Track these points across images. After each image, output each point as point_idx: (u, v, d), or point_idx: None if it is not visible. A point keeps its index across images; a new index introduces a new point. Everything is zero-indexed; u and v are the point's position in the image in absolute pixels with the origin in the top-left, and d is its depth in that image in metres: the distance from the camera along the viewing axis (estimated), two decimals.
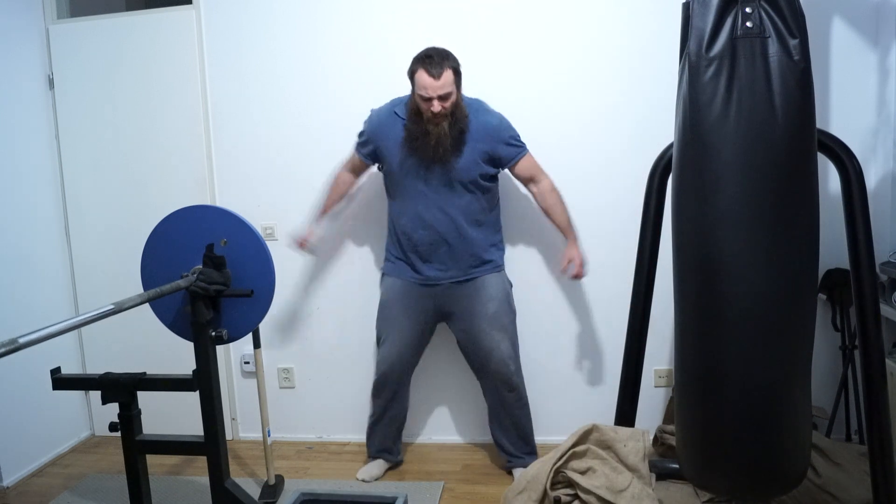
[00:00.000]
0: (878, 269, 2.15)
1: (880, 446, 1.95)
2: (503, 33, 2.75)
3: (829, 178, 2.51)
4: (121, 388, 2.00)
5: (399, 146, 2.46)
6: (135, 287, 2.16)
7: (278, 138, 2.93)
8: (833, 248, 2.42)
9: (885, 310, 2.30)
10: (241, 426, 3.13)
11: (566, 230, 2.57)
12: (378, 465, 2.70)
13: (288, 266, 2.95)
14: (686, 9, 1.70)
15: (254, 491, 2.55)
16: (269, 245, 2.13)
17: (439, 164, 2.42)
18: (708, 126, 1.65)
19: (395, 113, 2.49)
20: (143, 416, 2.09)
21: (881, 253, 2.42)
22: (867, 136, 2.59)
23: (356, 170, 2.67)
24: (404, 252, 2.55)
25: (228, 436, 2.90)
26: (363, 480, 2.63)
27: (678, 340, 1.83)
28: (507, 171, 2.57)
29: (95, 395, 2.51)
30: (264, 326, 2.38)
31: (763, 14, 1.61)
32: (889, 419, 1.97)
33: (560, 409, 2.86)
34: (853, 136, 2.43)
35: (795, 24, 1.61)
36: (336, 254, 2.97)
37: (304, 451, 2.98)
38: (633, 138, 2.69)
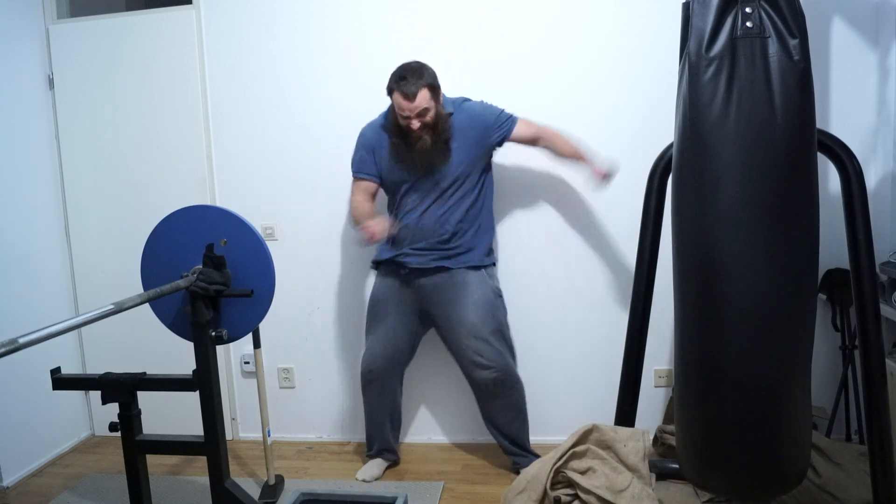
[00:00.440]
0: (878, 269, 2.15)
1: (880, 446, 1.95)
2: (503, 33, 2.75)
3: (829, 178, 2.51)
4: (121, 388, 2.00)
5: (388, 158, 2.49)
6: (135, 287, 2.16)
7: (278, 138, 2.93)
8: (833, 248, 2.42)
9: (885, 310, 2.30)
10: (241, 426, 3.13)
11: (580, 156, 2.54)
12: (378, 465, 2.70)
13: (288, 266, 2.95)
14: (686, 9, 1.70)
15: (254, 491, 2.55)
16: (269, 245, 2.13)
17: (427, 174, 2.45)
18: (708, 126, 1.65)
19: (383, 126, 2.52)
20: (143, 416, 2.09)
21: (881, 253, 2.42)
22: (867, 136, 2.58)
23: (371, 192, 2.58)
24: (396, 251, 2.55)
25: (228, 436, 2.90)
26: (363, 480, 2.63)
27: (678, 340, 1.83)
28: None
29: (95, 395, 2.50)
30: (264, 326, 2.37)
31: (763, 14, 1.62)
32: (889, 419, 1.97)
33: (560, 409, 2.86)
34: (853, 136, 2.42)
35: (795, 24, 1.61)
36: (336, 254, 2.96)
37: (304, 451, 2.98)
38: (633, 138, 2.69)
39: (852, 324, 2.52)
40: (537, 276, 2.84)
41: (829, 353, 2.67)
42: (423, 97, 2.33)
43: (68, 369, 2.46)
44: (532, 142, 2.59)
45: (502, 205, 2.78)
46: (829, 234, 2.12)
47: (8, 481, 2.75)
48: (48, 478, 2.82)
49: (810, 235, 1.68)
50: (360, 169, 2.57)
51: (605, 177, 2.51)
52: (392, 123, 2.46)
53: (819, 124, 1.77)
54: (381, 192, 2.65)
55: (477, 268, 2.56)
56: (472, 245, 2.55)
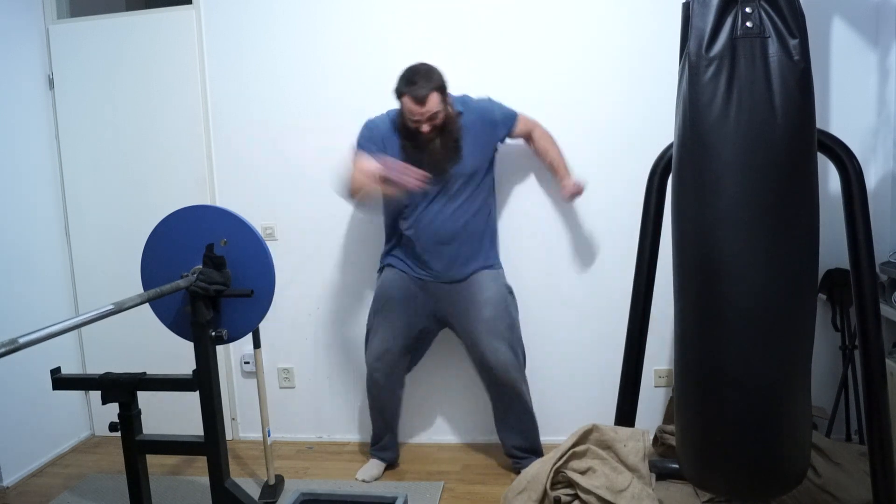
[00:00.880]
0: (878, 269, 2.15)
1: (880, 446, 1.95)
2: (503, 33, 2.75)
3: (829, 178, 2.51)
4: (121, 388, 2.00)
5: (398, 157, 2.47)
6: (135, 287, 2.16)
7: (278, 138, 2.93)
8: (833, 248, 2.42)
9: (885, 310, 2.30)
10: (241, 426, 3.13)
11: (559, 167, 2.61)
12: (377, 466, 2.70)
13: (288, 266, 2.95)
14: (686, 9, 1.70)
15: (254, 491, 2.55)
16: (269, 245, 2.13)
17: (438, 176, 2.44)
18: (708, 126, 1.65)
19: (393, 122, 2.50)
20: (143, 416, 2.09)
21: (881, 253, 2.42)
22: (867, 136, 2.58)
23: None
24: (407, 254, 2.55)
25: (228, 436, 2.90)
26: (363, 480, 2.63)
27: (678, 340, 1.83)
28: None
29: (95, 395, 2.51)
30: (264, 326, 2.37)
31: (763, 14, 1.61)
32: (889, 419, 1.97)
33: (560, 409, 2.86)
34: (853, 136, 2.42)
35: (795, 24, 1.61)
36: (336, 254, 2.96)
37: (304, 451, 2.98)
38: (633, 138, 2.69)
39: (852, 324, 2.52)
40: (537, 275, 2.84)
41: (829, 353, 2.67)
42: (434, 101, 2.33)
43: (68, 369, 2.46)
44: (527, 136, 2.63)
45: (502, 204, 2.79)
46: (829, 234, 2.12)
47: (8, 481, 2.75)
48: (48, 478, 2.82)
49: (810, 235, 1.68)
50: (368, 148, 2.47)
51: (575, 195, 2.57)
52: (401, 126, 2.44)
53: (819, 124, 1.77)
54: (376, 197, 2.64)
55: (489, 266, 2.57)
56: (484, 244, 2.56)
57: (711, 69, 1.63)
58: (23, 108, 2.93)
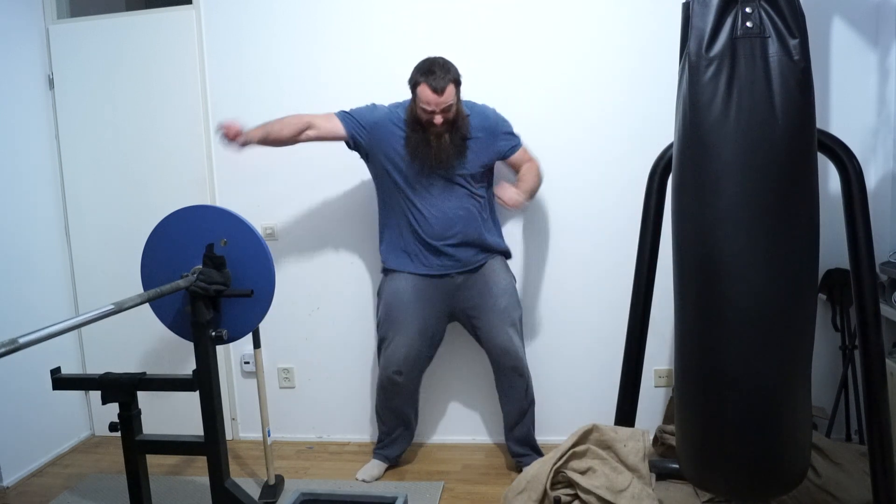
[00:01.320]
0: (878, 269, 2.15)
1: (880, 446, 1.95)
2: (503, 34, 2.75)
3: (829, 178, 2.51)
4: (121, 388, 2.00)
5: (401, 151, 2.47)
6: (135, 287, 2.16)
7: None
8: (833, 248, 2.42)
9: (885, 310, 2.30)
10: (241, 426, 3.13)
11: (522, 184, 2.49)
12: (378, 466, 2.70)
13: (288, 266, 2.95)
14: (686, 9, 1.70)
15: (254, 491, 2.55)
16: (269, 245, 2.13)
17: (441, 170, 2.44)
18: (708, 126, 1.65)
19: (399, 114, 2.50)
20: (143, 416, 2.09)
21: (881, 253, 2.42)
22: (867, 136, 2.59)
23: (321, 133, 2.51)
24: (412, 248, 2.54)
25: (228, 436, 2.90)
26: (363, 480, 2.63)
27: (678, 340, 1.83)
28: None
29: (95, 395, 2.51)
30: (264, 326, 2.37)
31: (763, 14, 1.62)
32: (889, 419, 1.97)
33: (560, 409, 2.86)
34: (853, 136, 2.43)
35: (795, 24, 1.61)
36: (336, 254, 2.96)
37: (304, 451, 2.98)
38: (633, 138, 2.69)
39: (852, 324, 2.52)
40: (537, 275, 2.84)
41: (829, 353, 2.67)
42: (450, 92, 2.33)
43: (68, 369, 2.46)
44: (518, 167, 2.59)
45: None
46: (829, 234, 2.12)
47: (8, 481, 2.75)
48: (48, 478, 2.82)
49: (810, 235, 1.68)
50: (351, 123, 2.50)
51: (507, 201, 2.37)
52: (410, 117, 2.44)
53: (819, 124, 1.77)
54: (371, 192, 2.65)
55: (500, 253, 2.61)
56: (491, 234, 2.58)
57: (711, 69, 1.63)
58: (23, 108, 2.93)
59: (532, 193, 2.54)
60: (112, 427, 2.04)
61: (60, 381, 2.06)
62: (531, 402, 2.62)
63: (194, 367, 2.06)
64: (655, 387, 2.84)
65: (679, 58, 1.75)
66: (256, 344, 2.54)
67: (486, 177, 2.59)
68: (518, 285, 2.72)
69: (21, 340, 1.37)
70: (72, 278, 3.13)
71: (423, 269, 2.54)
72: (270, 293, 2.09)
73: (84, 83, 3.02)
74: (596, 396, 2.79)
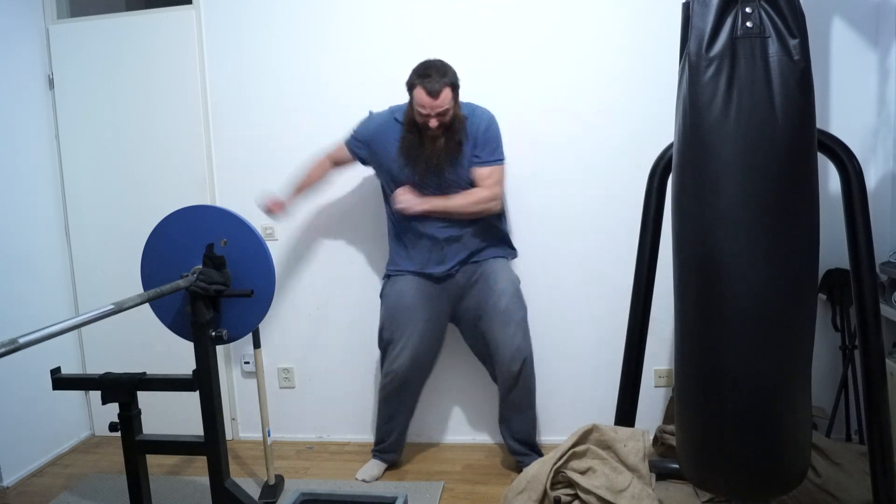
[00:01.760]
0: (878, 269, 2.15)
1: (880, 446, 1.94)
2: (503, 34, 2.75)
3: (829, 178, 2.51)
4: (121, 388, 2.00)
5: (397, 154, 2.48)
6: (135, 287, 2.16)
7: (278, 138, 2.93)
8: (833, 248, 2.42)
9: (885, 310, 2.30)
10: (241, 426, 3.13)
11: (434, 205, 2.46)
12: (377, 466, 2.70)
13: (288, 266, 2.95)
14: (686, 9, 1.70)
15: (254, 491, 2.55)
16: (269, 245, 2.13)
17: (435, 174, 2.44)
18: (708, 126, 1.64)
19: (396, 119, 2.50)
20: (143, 416, 2.09)
21: (881, 253, 2.42)
22: (867, 136, 2.59)
23: (340, 162, 2.66)
24: (412, 252, 2.55)
25: (228, 436, 2.90)
26: (363, 480, 2.63)
27: (678, 340, 1.83)
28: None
29: (95, 395, 2.51)
30: (264, 326, 2.37)
31: (763, 14, 1.61)
32: (889, 419, 1.97)
33: (560, 409, 2.86)
34: (853, 136, 2.43)
35: (795, 24, 1.61)
36: (336, 254, 2.96)
37: (304, 451, 2.98)
38: (633, 138, 2.69)
39: (852, 324, 2.52)
40: (536, 276, 2.84)
41: (829, 353, 2.67)
42: (446, 96, 2.32)
43: (68, 369, 2.46)
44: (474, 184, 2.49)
45: (506, 205, 2.78)
46: (829, 234, 2.12)
47: (8, 481, 2.75)
48: (48, 478, 2.82)
49: (810, 235, 1.68)
50: (354, 144, 2.60)
51: (400, 204, 2.42)
52: (407, 118, 2.44)
53: (819, 124, 1.77)
54: (378, 184, 2.66)
55: (500, 257, 2.60)
56: (492, 234, 2.57)
57: (711, 69, 1.63)
58: (23, 108, 2.93)
59: (443, 210, 2.44)
60: (112, 427, 2.04)
61: (60, 381, 2.06)
62: (532, 402, 2.62)
63: (194, 367, 2.06)
64: (655, 387, 2.84)
65: (679, 58, 1.75)
66: (256, 344, 2.54)
67: None
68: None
69: (21, 340, 1.37)
70: (72, 278, 3.13)
71: (425, 271, 2.55)
72: (270, 293, 2.09)
73: (84, 83, 3.02)
74: (596, 396, 2.79)
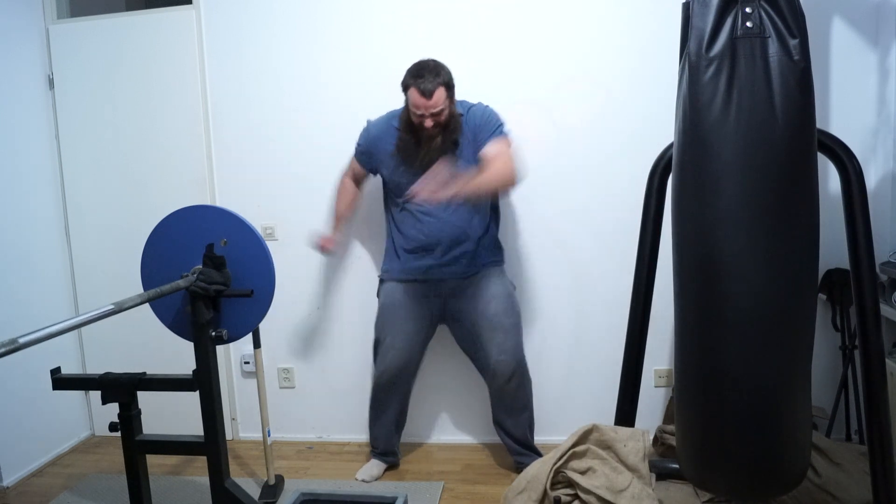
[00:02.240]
0: (878, 269, 2.15)
1: (880, 446, 1.95)
2: (503, 33, 2.75)
3: (829, 178, 2.51)
4: (121, 388, 2.00)
5: (394, 155, 2.48)
6: (135, 287, 2.16)
7: (278, 138, 2.93)
8: (833, 248, 2.42)
9: (885, 310, 2.30)
10: (241, 426, 3.13)
11: (477, 176, 2.29)
12: (377, 466, 2.70)
13: (288, 266, 2.95)
14: (686, 9, 1.70)
15: (254, 491, 2.55)
16: (269, 245, 2.13)
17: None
18: (708, 126, 1.65)
19: (393, 125, 2.50)
20: (143, 416, 2.09)
21: (881, 253, 2.42)
22: (867, 136, 2.58)
23: (358, 178, 2.70)
24: (403, 254, 2.55)
25: (228, 436, 2.90)
26: (363, 480, 2.63)
27: (678, 340, 1.83)
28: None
29: (95, 395, 2.51)
30: (264, 326, 2.37)
31: (763, 14, 1.62)
32: (889, 419, 1.97)
33: (560, 408, 2.86)
34: (853, 136, 2.43)
35: (795, 24, 1.61)
36: (336, 254, 2.96)
37: (304, 451, 2.98)
38: (633, 138, 2.69)
39: (852, 324, 2.52)
40: (536, 276, 2.84)
41: (829, 353, 2.67)
42: (440, 96, 2.31)
43: (68, 369, 2.46)
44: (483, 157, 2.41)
45: (502, 204, 2.78)
46: (829, 234, 2.12)
47: (8, 481, 2.75)
48: (48, 478, 2.82)
49: (810, 235, 1.68)
50: (360, 156, 2.63)
51: (423, 194, 2.21)
52: (403, 119, 2.44)
53: (819, 124, 1.77)
54: (378, 187, 2.66)
55: (493, 263, 2.58)
56: (482, 242, 2.55)
57: (711, 69, 1.63)
58: (23, 108, 2.93)
59: (469, 192, 2.22)
60: (112, 427, 2.04)
61: (60, 381, 2.06)
62: (526, 405, 2.61)
63: (194, 367, 2.06)
64: (655, 387, 2.84)
65: (679, 58, 1.75)
66: (256, 344, 2.54)
67: None
68: (517, 286, 2.72)
69: (21, 340, 1.37)
70: (72, 278, 3.13)
71: (416, 274, 2.55)
72: (270, 293, 2.09)
73: (84, 83, 3.02)
74: (596, 396, 2.79)
